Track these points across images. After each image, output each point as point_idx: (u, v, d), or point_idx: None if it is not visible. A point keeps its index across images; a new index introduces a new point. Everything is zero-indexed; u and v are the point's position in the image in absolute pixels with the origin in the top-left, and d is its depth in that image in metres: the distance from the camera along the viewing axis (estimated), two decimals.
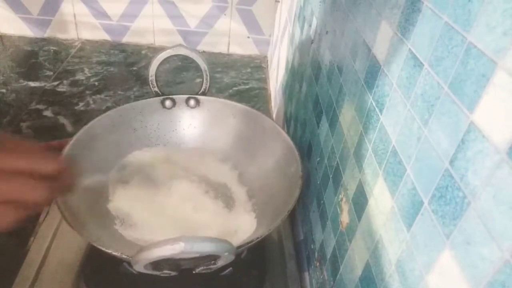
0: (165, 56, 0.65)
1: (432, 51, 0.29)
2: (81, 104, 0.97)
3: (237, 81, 1.14)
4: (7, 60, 1.12)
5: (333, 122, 0.51)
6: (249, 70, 1.20)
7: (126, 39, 1.25)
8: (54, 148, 0.79)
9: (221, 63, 1.21)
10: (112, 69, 1.13)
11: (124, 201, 0.60)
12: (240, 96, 1.08)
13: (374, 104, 0.38)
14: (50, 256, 0.58)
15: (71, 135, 0.59)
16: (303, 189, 0.55)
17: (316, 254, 0.54)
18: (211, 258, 0.43)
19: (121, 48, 1.23)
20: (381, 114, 0.37)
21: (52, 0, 1.18)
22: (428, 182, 0.28)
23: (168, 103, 0.69)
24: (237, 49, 1.27)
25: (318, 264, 0.53)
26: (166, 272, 0.44)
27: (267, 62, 1.24)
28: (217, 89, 1.09)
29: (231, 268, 0.54)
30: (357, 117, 0.43)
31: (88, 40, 1.24)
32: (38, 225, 0.61)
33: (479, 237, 0.22)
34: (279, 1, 1.13)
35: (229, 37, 1.25)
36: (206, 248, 0.39)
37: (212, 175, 0.67)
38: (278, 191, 0.58)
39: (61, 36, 1.24)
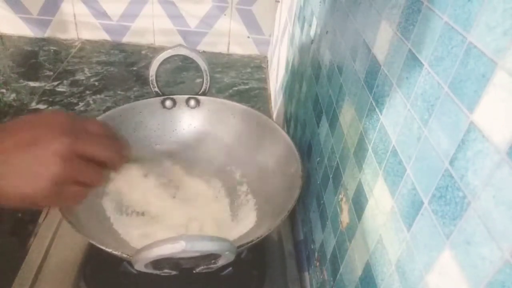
0: (165, 56, 0.65)
1: (432, 51, 0.29)
2: (81, 104, 0.97)
3: (237, 81, 1.14)
4: (7, 60, 1.12)
5: (333, 122, 0.51)
6: (249, 70, 1.20)
7: (126, 39, 1.25)
8: None
9: (221, 63, 1.21)
10: (112, 69, 1.13)
11: (124, 199, 0.60)
12: (240, 96, 1.08)
13: (374, 104, 0.38)
14: (50, 256, 0.58)
15: None
16: (303, 189, 0.55)
17: (316, 254, 0.54)
18: (212, 257, 0.43)
19: (121, 48, 1.23)
20: (381, 114, 0.37)
21: (52, 0, 1.18)
22: (428, 182, 0.28)
23: (168, 103, 0.69)
24: (237, 49, 1.27)
25: (318, 264, 0.53)
26: (166, 272, 0.44)
27: (267, 62, 1.24)
28: (217, 89, 1.09)
29: (231, 268, 0.54)
30: (357, 117, 0.43)
31: (88, 40, 1.24)
32: (38, 225, 0.61)
33: (479, 237, 0.22)
34: (279, 1, 1.13)
35: (229, 37, 1.25)
36: (207, 247, 0.39)
37: (211, 175, 0.67)
38: (278, 191, 0.58)
39: (61, 36, 1.24)
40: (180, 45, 0.65)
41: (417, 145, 0.30)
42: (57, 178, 0.37)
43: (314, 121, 0.60)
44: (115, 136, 0.45)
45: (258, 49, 1.27)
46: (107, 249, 0.45)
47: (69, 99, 0.98)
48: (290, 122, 0.80)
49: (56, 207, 0.44)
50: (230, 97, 1.07)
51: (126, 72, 1.12)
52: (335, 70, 0.52)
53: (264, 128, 0.66)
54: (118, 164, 0.45)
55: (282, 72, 0.96)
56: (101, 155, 0.42)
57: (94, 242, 0.45)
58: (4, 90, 0.99)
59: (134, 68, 1.14)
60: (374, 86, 0.39)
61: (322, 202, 0.53)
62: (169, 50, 0.65)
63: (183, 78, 1.11)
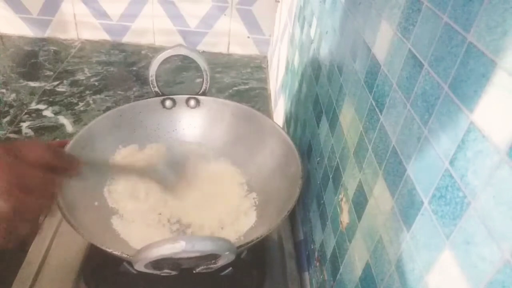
0: (165, 56, 0.65)
1: (432, 51, 0.29)
2: (81, 104, 0.97)
3: (237, 81, 1.14)
4: (7, 60, 1.12)
5: (333, 122, 0.51)
6: (249, 70, 1.20)
7: (126, 39, 1.25)
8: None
9: (221, 63, 1.21)
10: (112, 69, 1.13)
11: (123, 199, 0.60)
12: (240, 96, 1.08)
13: (374, 104, 0.38)
14: (50, 256, 0.58)
15: (71, 135, 0.59)
16: (303, 189, 0.55)
17: (316, 254, 0.54)
18: (212, 257, 0.43)
19: (121, 48, 1.23)
20: (381, 114, 0.37)
21: (52, 0, 1.18)
22: (428, 182, 0.28)
23: (168, 103, 0.69)
24: (237, 49, 1.27)
25: (318, 264, 0.53)
26: (166, 272, 0.44)
27: (267, 62, 1.24)
28: (217, 89, 1.09)
29: (231, 268, 0.54)
30: (357, 117, 0.43)
31: (88, 40, 1.24)
32: (38, 225, 0.61)
33: (479, 237, 0.22)
34: (279, 1, 1.13)
35: (229, 37, 1.25)
36: (207, 247, 0.39)
37: (211, 175, 0.67)
38: (278, 191, 0.58)
39: (61, 36, 1.24)
40: (180, 45, 0.65)
41: (417, 145, 0.30)
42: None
43: (314, 121, 0.60)
44: (59, 156, 0.42)
45: (258, 49, 1.27)
46: (107, 249, 0.45)
47: (69, 99, 0.98)
48: (290, 122, 0.80)
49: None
50: (230, 97, 1.07)
51: (126, 72, 1.12)
52: (335, 70, 0.52)
53: (264, 128, 0.66)
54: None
55: (282, 72, 0.96)
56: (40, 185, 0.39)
57: (94, 242, 0.45)
58: (4, 90, 0.99)
59: (134, 68, 1.14)
60: (374, 86, 0.39)
61: (322, 202, 0.53)
62: (169, 50, 0.65)
63: (183, 78, 1.11)
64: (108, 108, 0.88)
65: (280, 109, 0.94)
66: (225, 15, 1.20)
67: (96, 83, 1.06)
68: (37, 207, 0.39)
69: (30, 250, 0.58)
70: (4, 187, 0.35)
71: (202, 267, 0.45)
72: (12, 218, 0.36)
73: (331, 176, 0.50)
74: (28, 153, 0.38)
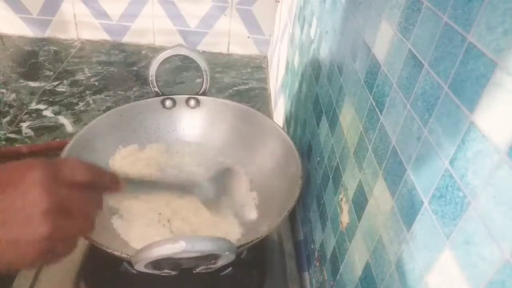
0: (165, 56, 0.65)
1: (432, 51, 0.29)
2: (81, 104, 0.97)
3: (237, 81, 1.14)
4: (7, 60, 1.12)
5: (333, 122, 0.51)
6: (249, 70, 1.20)
7: (126, 39, 1.25)
8: (54, 148, 0.79)
9: (221, 63, 1.21)
10: (112, 69, 1.13)
11: (123, 199, 0.60)
12: (240, 96, 1.08)
13: (374, 104, 0.38)
14: None
15: (71, 135, 0.59)
16: (303, 189, 0.55)
17: (316, 254, 0.54)
18: (212, 257, 0.43)
19: (121, 48, 1.23)
20: (381, 114, 0.37)
21: (52, 0, 1.18)
22: (428, 182, 0.28)
23: (168, 103, 0.69)
24: (237, 49, 1.27)
25: (318, 264, 0.53)
26: (166, 272, 0.44)
27: (267, 62, 1.24)
28: (217, 89, 1.09)
29: (231, 268, 0.54)
30: (357, 117, 0.43)
31: (88, 40, 1.24)
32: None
33: (479, 237, 0.22)
34: (279, 1, 1.13)
35: (229, 37, 1.25)
36: (207, 247, 0.39)
37: (211, 175, 0.66)
38: (278, 191, 0.58)
39: (61, 36, 1.24)
40: (180, 45, 0.65)
41: (417, 145, 0.30)
42: (45, 241, 0.33)
43: (314, 121, 0.60)
44: (100, 175, 0.40)
45: (258, 49, 1.27)
46: (107, 249, 0.45)
47: (69, 99, 0.98)
48: (290, 122, 0.80)
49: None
50: (230, 97, 1.07)
51: (126, 72, 1.12)
52: (335, 70, 0.52)
53: (264, 128, 0.66)
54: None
55: (282, 72, 0.96)
56: (84, 207, 0.37)
57: (94, 242, 0.45)
58: (4, 90, 0.99)
59: (134, 68, 1.14)
60: (374, 86, 0.39)
61: (322, 202, 0.53)
62: (169, 50, 0.65)
63: (183, 78, 1.11)
64: (108, 108, 0.88)
65: (280, 109, 0.94)
66: (225, 15, 1.20)
67: (96, 83, 1.06)
68: (77, 230, 0.37)
69: None
70: (42, 211, 0.33)
71: (202, 267, 0.45)
72: (50, 241, 0.34)
73: (331, 176, 0.50)
74: (69, 172, 0.36)
